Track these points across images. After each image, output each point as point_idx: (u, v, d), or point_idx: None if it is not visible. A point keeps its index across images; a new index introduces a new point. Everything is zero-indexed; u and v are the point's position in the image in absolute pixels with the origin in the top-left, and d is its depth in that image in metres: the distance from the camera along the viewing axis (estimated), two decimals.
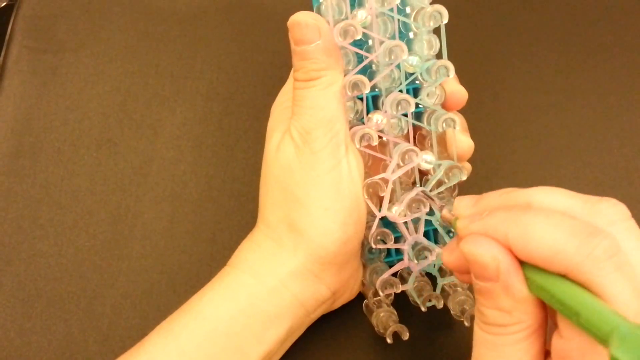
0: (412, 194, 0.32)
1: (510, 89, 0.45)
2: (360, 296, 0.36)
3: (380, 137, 0.33)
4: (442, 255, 0.28)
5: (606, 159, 0.43)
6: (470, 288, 0.34)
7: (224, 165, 0.42)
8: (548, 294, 0.23)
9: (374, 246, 0.33)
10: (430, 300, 0.34)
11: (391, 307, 0.35)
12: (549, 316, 0.25)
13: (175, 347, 0.30)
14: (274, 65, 0.45)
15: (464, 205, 0.27)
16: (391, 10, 0.32)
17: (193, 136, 0.43)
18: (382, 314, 0.34)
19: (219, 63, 0.45)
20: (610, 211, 0.24)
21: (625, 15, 0.48)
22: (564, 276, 0.23)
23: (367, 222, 0.33)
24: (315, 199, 0.31)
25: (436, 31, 0.33)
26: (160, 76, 0.45)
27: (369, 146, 0.33)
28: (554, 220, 0.23)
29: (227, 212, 0.41)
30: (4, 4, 0.55)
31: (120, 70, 0.45)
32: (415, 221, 0.34)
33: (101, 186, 0.41)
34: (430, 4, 0.32)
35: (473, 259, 0.24)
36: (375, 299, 0.35)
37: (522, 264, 0.24)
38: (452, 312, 0.34)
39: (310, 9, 0.32)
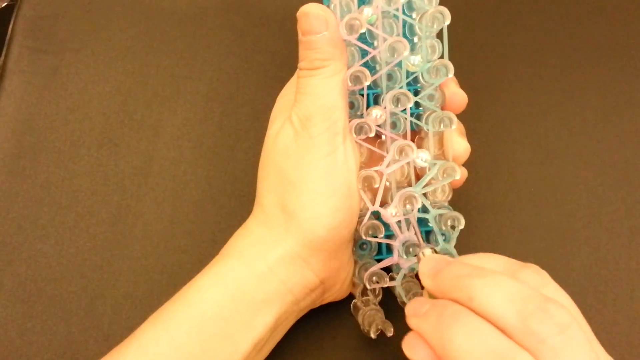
0: (404, 191, 0.32)
1: (510, 89, 0.45)
2: (350, 299, 0.36)
3: (378, 135, 0.33)
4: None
5: (606, 159, 0.43)
6: None
7: (225, 166, 0.42)
8: None
9: (364, 237, 0.33)
10: None
11: (378, 306, 0.35)
12: None
13: (164, 334, 0.30)
14: (274, 66, 0.45)
15: (426, 268, 0.29)
16: (396, 10, 0.32)
17: (193, 136, 0.43)
18: (368, 312, 0.34)
19: (219, 63, 0.45)
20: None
21: (625, 15, 0.48)
22: None
23: (360, 217, 0.33)
24: (308, 182, 0.31)
25: (439, 34, 0.33)
26: (160, 76, 0.45)
27: (367, 139, 0.33)
28: (475, 339, 0.24)
29: (227, 213, 0.41)
30: (5, 4, 0.56)
31: (121, 70, 0.45)
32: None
33: (102, 186, 0.41)
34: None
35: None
36: (363, 298, 0.35)
37: None
38: None
39: None
